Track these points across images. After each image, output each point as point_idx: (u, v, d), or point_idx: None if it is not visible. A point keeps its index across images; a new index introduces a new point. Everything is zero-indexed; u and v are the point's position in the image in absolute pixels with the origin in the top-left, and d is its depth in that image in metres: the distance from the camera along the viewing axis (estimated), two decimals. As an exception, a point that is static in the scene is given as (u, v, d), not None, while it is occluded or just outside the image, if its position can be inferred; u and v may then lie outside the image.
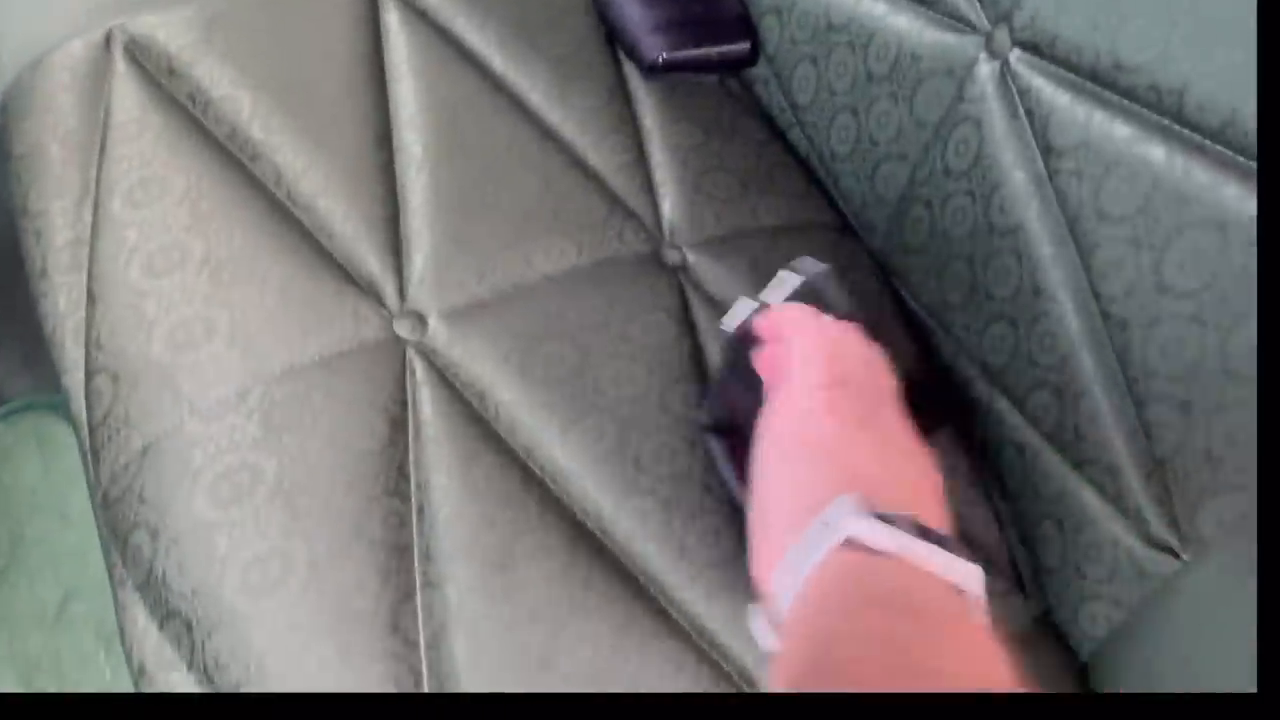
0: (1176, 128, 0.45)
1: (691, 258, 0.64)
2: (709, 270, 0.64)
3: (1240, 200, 0.42)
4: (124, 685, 0.51)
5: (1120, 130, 0.47)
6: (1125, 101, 0.47)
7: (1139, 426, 0.47)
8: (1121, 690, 0.52)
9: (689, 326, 0.61)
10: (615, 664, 0.49)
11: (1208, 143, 0.44)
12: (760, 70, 0.73)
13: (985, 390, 0.57)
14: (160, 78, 0.64)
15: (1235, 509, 0.44)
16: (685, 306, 0.62)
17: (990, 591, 0.54)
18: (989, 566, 0.55)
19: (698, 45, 0.70)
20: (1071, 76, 0.50)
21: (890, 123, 0.61)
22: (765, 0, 0.70)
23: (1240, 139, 0.43)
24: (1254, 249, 0.42)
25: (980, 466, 0.58)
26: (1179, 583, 0.47)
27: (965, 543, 0.55)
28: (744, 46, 0.71)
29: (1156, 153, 0.46)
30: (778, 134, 0.73)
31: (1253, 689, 0.45)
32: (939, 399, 0.56)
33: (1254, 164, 0.42)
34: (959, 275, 0.57)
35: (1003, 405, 0.56)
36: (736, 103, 0.74)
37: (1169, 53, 0.45)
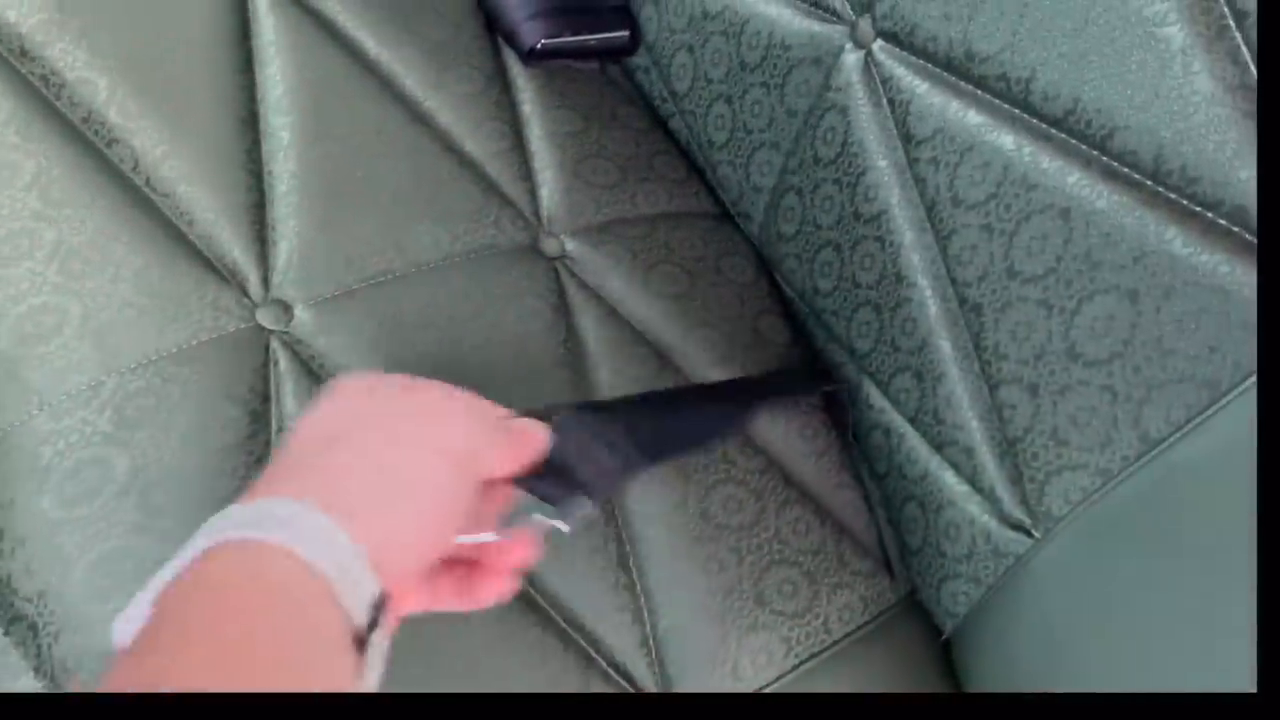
0: (1025, 116, 0.46)
1: (570, 245, 0.64)
2: (588, 258, 0.64)
3: (1081, 187, 0.44)
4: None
5: (974, 118, 0.48)
6: (978, 91, 0.48)
7: (992, 408, 0.49)
8: (983, 665, 0.53)
9: (565, 314, 0.60)
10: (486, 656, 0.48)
11: (1053, 130, 0.45)
12: (640, 59, 0.72)
13: (854, 375, 0.58)
14: (12, 59, 0.61)
15: (1080, 486, 0.45)
16: (562, 294, 0.61)
17: (858, 573, 0.55)
18: (857, 548, 0.56)
19: (575, 32, 0.70)
20: (929, 66, 0.50)
21: (763, 111, 0.62)
22: (644, -13, 0.70)
23: (1082, 128, 0.44)
24: (1097, 234, 0.43)
25: (851, 449, 0.59)
26: (1032, 559, 0.48)
27: (836, 527, 0.56)
28: (623, 34, 0.71)
29: (1006, 140, 0.47)
30: (658, 122, 0.73)
31: (1103, 661, 0.47)
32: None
33: (1095, 151, 0.43)
34: (828, 262, 0.58)
35: (870, 389, 0.57)
36: (617, 91, 0.73)
37: (1016, 43, 0.46)
